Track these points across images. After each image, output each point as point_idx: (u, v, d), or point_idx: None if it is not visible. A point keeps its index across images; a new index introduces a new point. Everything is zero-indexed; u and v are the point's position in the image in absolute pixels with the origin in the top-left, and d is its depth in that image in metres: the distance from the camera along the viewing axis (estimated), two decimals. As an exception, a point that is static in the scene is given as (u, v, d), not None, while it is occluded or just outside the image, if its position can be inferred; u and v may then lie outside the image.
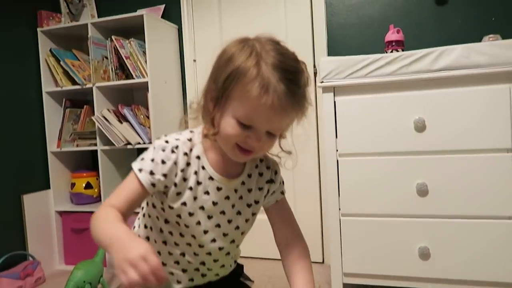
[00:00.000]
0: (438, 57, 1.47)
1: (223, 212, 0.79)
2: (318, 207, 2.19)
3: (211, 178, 0.77)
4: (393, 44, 1.69)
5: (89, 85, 2.24)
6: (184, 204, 0.77)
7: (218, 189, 0.78)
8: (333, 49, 2.13)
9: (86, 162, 2.54)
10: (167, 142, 0.76)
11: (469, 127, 1.46)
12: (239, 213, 0.81)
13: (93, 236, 0.67)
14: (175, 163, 0.75)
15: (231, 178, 0.79)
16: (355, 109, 1.58)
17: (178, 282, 0.83)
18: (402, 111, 1.52)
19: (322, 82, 1.59)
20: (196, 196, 0.77)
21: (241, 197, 0.81)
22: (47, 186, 2.36)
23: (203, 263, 0.82)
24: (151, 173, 0.74)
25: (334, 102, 1.59)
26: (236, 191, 0.80)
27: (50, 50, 2.33)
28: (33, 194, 2.26)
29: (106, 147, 2.23)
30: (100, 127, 2.18)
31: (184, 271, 0.82)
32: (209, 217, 0.78)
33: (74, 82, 2.31)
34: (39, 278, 2.12)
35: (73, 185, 2.38)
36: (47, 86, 2.36)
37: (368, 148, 1.57)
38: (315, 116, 2.16)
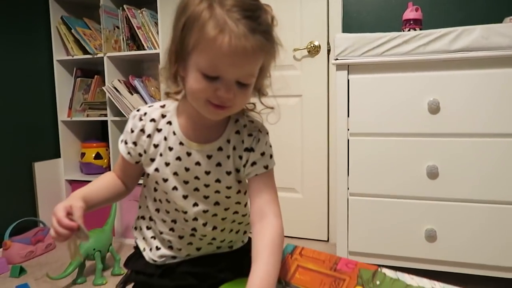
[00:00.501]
0: (456, 38, 1.43)
1: (197, 178, 0.77)
2: (325, 186, 2.20)
3: (181, 143, 0.76)
4: (411, 22, 1.64)
5: (100, 55, 2.23)
6: (157, 170, 0.77)
7: (188, 154, 0.76)
8: (348, 26, 2.08)
9: (96, 132, 2.55)
10: (138, 110, 0.79)
11: (484, 110, 1.43)
12: (218, 180, 0.77)
13: None
14: (142, 130, 0.77)
15: (204, 143, 0.76)
16: (369, 88, 1.55)
17: (178, 249, 0.83)
18: (416, 92, 1.50)
19: (337, 59, 1.56)
20: (168, 162, 0.76)
21: (219, 164, 0.76)
22: (58, 155, 2.38)
23: (194, 229, 0.81)
24: (125, 142, 0.79)
25: (348, 80, 1.57)
26: (210, 157, 0.76)
27: (61, 18, 2.31)
28: (44, 162, 2.29)
29: (117, 118, 2.23)
30: (111, 97, 2.18)
31: (180, 237, 0.82)
32: (186, 182, 0.77)
33: (85, 51, 2.30)
34: (49, 244, 2.17)
35: (83, 154, 2.40)
36: (58, 54, 2.35)
37: (380, 128, 1.55)
38: (326, 94, 2.13)
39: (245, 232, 0.91)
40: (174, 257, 0.84)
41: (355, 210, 1.61)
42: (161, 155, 0.77)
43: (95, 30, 2.37)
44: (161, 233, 0.83)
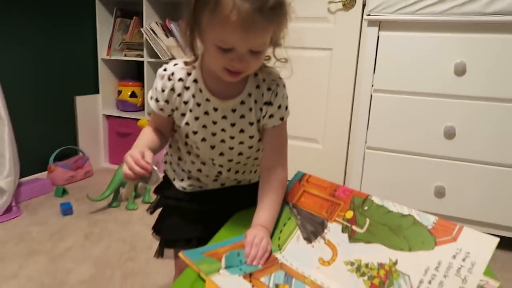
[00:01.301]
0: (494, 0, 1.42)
1: (223, 130, 0.85)
2: (345, 139, 2.26)
3: (207, 99, 0.82)
4: (450, -19, 1.62)
5: (139, -4, 2.30)
6: (187, 124, 0.85)
7: (215, 109, 0.83)
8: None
9: (132, 72, 2.67)
10: (165, 70, 0.84)
11: (509, 76, 1.44)
12: (242, 131, 0.85)
13: None
14: (172, 89, 0.83)
15: (228, 99, 0.82)
16: (398, 46, 1.58)
17: (206, 184, 0.95)
18: (445, 52, 1.52)
19: (369, 15, 1.58)
20: (198, 116, 0.84)
21: (242, 116, 0.83)
22: (97, 91, 2.54)
23: (220, 172, 0.92)
24: (157, 100, 0.85)
25: (378, 36, 1.60)
26: (234, 110, 0.83)
27: (104, -43, 2.37)
28: (84, 97, 2.45)
29: (152, 59, 2.33)
30: (148, 39, 2.27)
31: (207, 176, 0.93)
32: (213, 134, 0.86)
33: (125, -8, 2.37)
34: (88, 171, 2.39)
35: (119, 92, 2.55)
36: (99, -8, 2.43)
37: (404, 87, 1.59)
38: (357, 49, 2.15)
39: None
40: (200, 187, 0.96)
41: (370, 163, 1.70)
42: (190, 110, 0.84)
43: (135, -29, 2.42)
44: (189, 171, 0.94)
